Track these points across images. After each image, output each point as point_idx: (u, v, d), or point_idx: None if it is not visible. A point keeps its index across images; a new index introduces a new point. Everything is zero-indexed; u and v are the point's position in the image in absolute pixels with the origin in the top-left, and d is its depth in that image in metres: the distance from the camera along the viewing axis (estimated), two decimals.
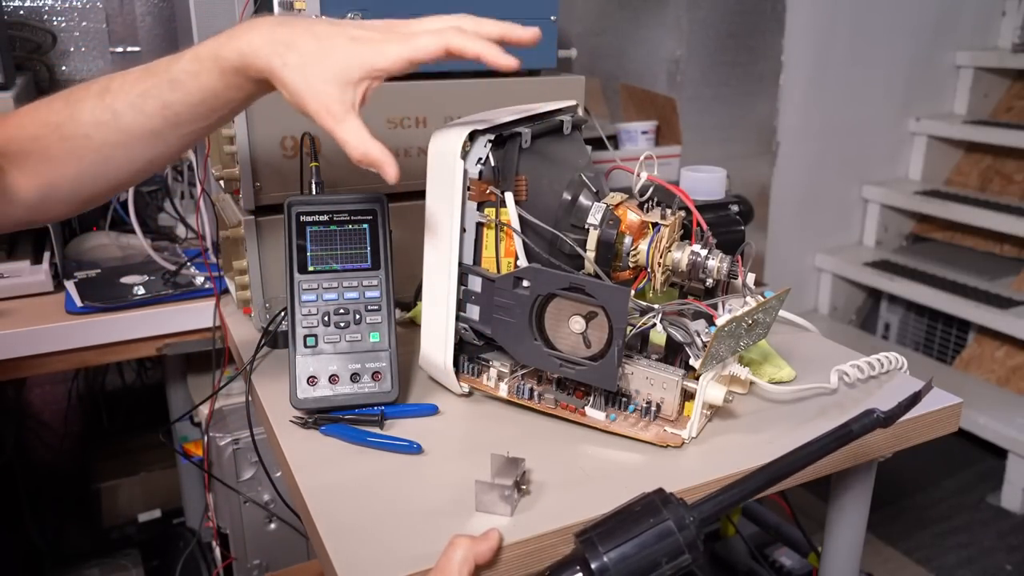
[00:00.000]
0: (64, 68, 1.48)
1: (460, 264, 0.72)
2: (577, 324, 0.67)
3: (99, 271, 1.17)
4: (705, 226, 0.73)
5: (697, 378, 0.68)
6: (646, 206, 0.74)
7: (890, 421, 0.54)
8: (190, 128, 0.63)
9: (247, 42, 0.59)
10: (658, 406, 0.70)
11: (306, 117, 0.60)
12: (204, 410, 1.20)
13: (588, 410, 0.71)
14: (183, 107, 0.61)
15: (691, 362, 0.68)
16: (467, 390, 0.77)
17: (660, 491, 0.52)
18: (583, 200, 0.74)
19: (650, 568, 0.49)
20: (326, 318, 0.75)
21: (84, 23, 1.48)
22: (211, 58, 0.60)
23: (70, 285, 1.11)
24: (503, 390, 0.74)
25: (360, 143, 0.58)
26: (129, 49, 1.52)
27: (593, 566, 0.49)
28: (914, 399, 0.54)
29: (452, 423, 0.74)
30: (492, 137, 0.70)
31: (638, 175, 0.76)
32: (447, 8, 0.95)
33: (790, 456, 0.53)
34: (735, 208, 0.96)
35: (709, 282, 0.73)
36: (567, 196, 0.74)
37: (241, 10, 0.96)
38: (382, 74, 0.59)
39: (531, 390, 0.74)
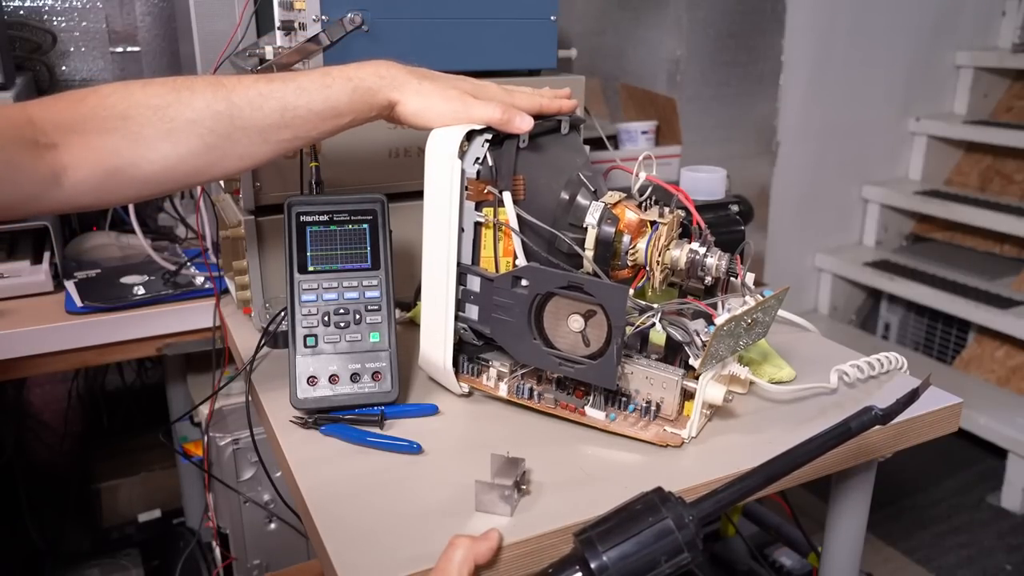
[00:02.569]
0: (64, 68, 1.48)
1: (458, 264, 0.72)
2: (576, 323, 0.67)
3: (99, 271, 1.17)
4: (703, 224, 0.73)
5: (697, 378, 0.68)
6: (644, 204, 0.74)
7: (888, 418, 0.54)
8: (295, 134, 0.67)
9: (386, 69, 0.69)
10: (658, 406, 0.70)
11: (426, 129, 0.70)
12: (204, 410, 1.20)
13: (588, 410, 0.71)
14: (304, 111, 0.66)
15: (691, 361, 0.68)
16: (467, 390, 0.77)
17: (659, 490, 0.52)
18: (581, 199, 0.73)
19: (649, 567, 0.49)
20: (326, 318, 0.75)
21: (84, 23, 1.48)
22: (344, 78, 0.67)
23: (70, 285, 1.11)
24: (503, 390, 0.74)
25: (500, 108, 0.70)
26: (129, 49, 1.52)
27: (592, 565, 0.49)
28: (912, 396, 0.54)
29: (452, 423, 0.74)
30: (489, 137, 0.70)
31: (637, 175, 0.76)
32: (448, 11, 0.95)
33: (789, 454, 0.53)
34: (735, 208, 0.96)
35: (708, 280, 0.73)
36: (565, 195, 0.73)
37: (241, 10, 0.96)
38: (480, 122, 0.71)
39: (531, 390, 0.74)
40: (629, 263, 0.73)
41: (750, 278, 0.74)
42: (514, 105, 0.72)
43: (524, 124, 0.70)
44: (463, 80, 0.73)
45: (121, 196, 0.67)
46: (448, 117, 0.69)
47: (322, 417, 0.73)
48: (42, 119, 0.61)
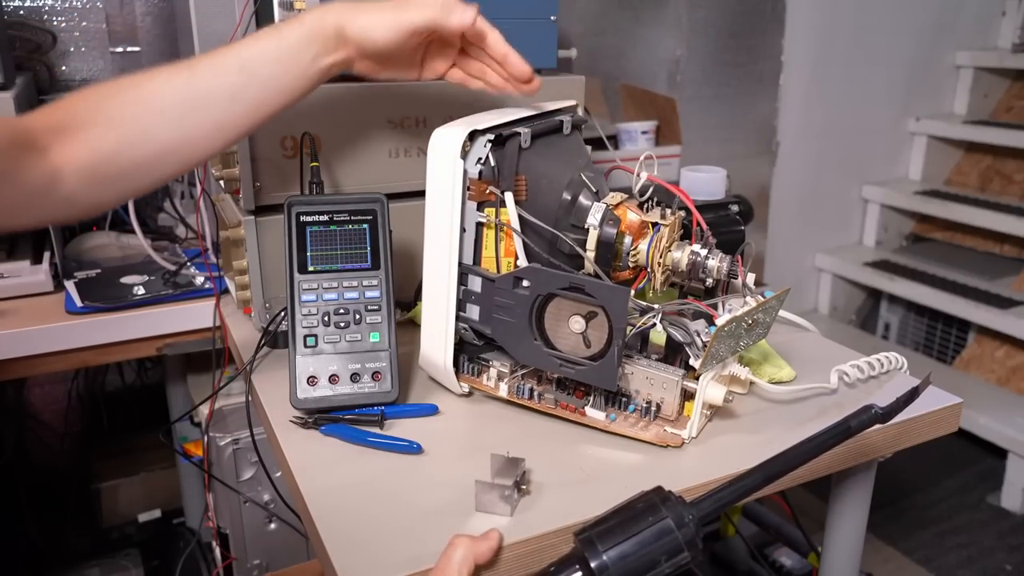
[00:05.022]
0: (64, 68, 1.48)
1: (460, 264, 0.72)
2: (577, 324, 0.67)
3: (99, 271, 1.17)
4: (705, 226, 0.73)
5: (697, 378, 0.69)
6: (646, 206, 0.74)
7: (888, 417, 0.54)
8: (262, 90, 0.67)
9: (330, 7, 0.69)
10: (658, 406, 0.70)
11: (379, 48, 0.69)
12: (204, 410, 1.20)
13: (588, 410, 0.71)
14: (260, 60, 0.67)
15: (691, 362, 0.68)
16: (467, 390, 0.77)
17: (659, 489, 0.52)
18: (583, 200, 0.74)
19: (649, 566, 0.49)
20: (326, 318, 0.75)
21: (84, 23, 1.48)
22: (291, 19, 0.68)
23: (70, 285, 1.11)
24: (503, 390, 0.74)
25: (438, 6, 0.68)
26: (129, 49, 1.52)
27: (592, 565, 0.49)
28: (912, 394, 0.54)
29: (452, 423, 0.74)
30: (492, 137, 0.70)
31: (638, 175, 0.76)
32: None
33: (789, 453, 0.53)
34: (735, 208, 0.96)
35: (709, 282, 0.73)
36: (567, 196, 0.74)
37: (241, 10, 0.96)
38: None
39: (531, 390, 0.74)
40: (630, 264, 0.73)
41: (750, 278, 0.74)
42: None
43: (466, 15, 0.68)
44: None
45: (115, 191, 0.68)
46: (389, 24, 0.68)
47: (322, 417, 0.73)
48: (35, 126, 0.63)
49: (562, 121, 0.78)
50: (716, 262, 0.72)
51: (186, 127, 0.66)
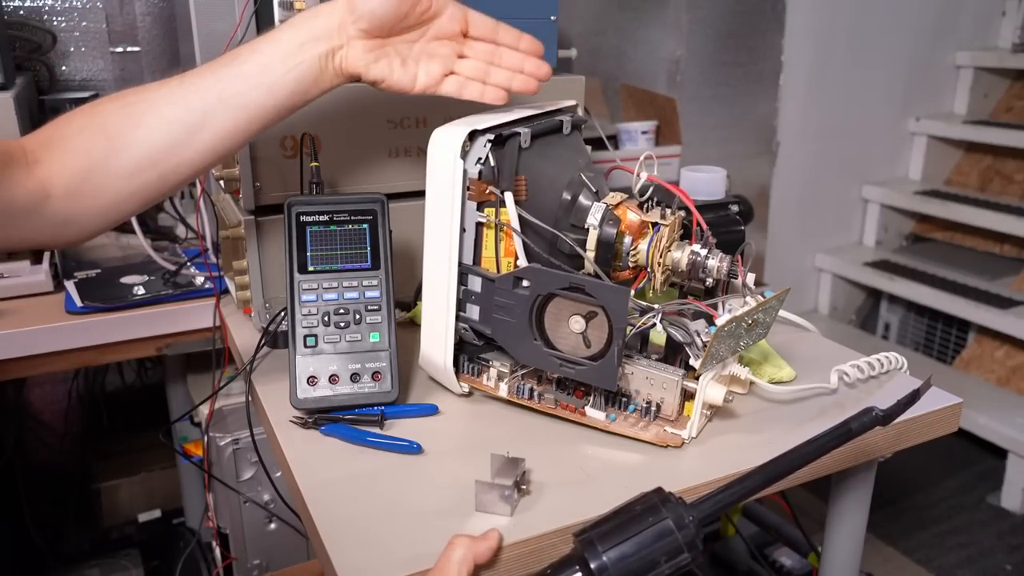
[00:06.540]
0: (64, 68, 1.48)
1: (460, 264, 0.72)
2: (577, 324, 0.67)
3: (99, 271, 1.17)
4: (705, 226, 0.73)
5: (697, 378, 0.69)
6: (646, 206, 0.74)
7: (889, 419, 0.54)
8: (253, 97, 0.66)
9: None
10: (658, 406, 0.70)
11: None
12: (204, 410, 1.20)
13: (588, 410, 0.71)
14: (255, 65, 0.66)
15: (691, 362, 0.68)
16: (467, 390, 0.77)
17: (659, 490, 0.52)
18: (583, 200, 0.74)
19: (649, 567, 0.49)
20: (326, 318, 0.75)
21: (84, 23, 1.48)
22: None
23: (70, 285, 1.11)
24: (503, 390, 0.74)
25: None
26: (129, 49, 1.52)
27: (592, 566, 0.49)
28: (913, 397, 0.54)
29: (452, 423, 0.74)
30: (492, 137, 0.70)
31: (638, 175, 0.76)
32: None
33: (789, 455, 0.53)
34: (735, 208, 0.96)
35: (709, 282, 0.73)
36: (567, 196, 0.74)
37: (241, 10, 0.96)
38: None
39: (531, 390, 0.74)
40: (630, 264, 0.73)
41: (751, 278, 0.74)
42: None
43: None
44: None
45: (102, 204, 0.67)
46: None
47: (322, 417, 0.73)
48: (31, 142, 0.66)
49: (562, 121, 0.77)
50: (716, 262, 0.72)
51: (183, 134, 0.66)
